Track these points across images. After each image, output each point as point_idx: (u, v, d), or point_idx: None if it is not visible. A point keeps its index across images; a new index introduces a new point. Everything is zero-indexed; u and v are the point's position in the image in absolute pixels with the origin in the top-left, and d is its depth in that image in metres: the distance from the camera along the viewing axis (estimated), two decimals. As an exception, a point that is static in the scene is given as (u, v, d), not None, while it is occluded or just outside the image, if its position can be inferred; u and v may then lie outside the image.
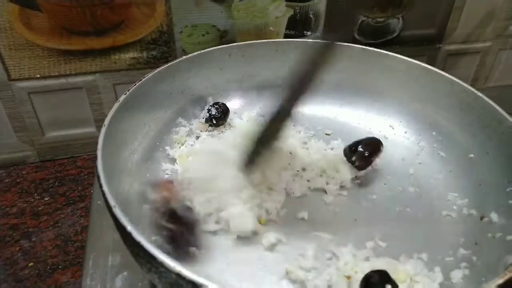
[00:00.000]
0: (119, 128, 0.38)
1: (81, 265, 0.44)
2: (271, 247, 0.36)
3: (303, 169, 0.44)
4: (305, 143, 0.48)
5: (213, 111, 0.48)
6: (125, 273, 0.38)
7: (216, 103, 0.49)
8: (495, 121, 0.40)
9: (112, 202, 0.28)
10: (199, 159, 0.43)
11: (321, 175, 0.43)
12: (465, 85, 0.44)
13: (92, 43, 0.53)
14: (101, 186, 0.30)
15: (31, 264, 0.46)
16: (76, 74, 0.55)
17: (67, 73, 0.54)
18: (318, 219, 0.40)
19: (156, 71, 0.44)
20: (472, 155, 0.43)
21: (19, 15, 0.49)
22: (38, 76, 0.54)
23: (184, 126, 0.48)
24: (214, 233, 0.37)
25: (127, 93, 0.40)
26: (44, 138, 0.58)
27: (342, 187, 0.43)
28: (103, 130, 0.35)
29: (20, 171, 0.58)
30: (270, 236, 0.37)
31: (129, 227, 0.27)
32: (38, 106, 0.55)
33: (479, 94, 0.42)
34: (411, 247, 0.37)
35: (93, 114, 0.58)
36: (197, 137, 0.48)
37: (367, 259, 0.35)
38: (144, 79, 0.43)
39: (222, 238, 0.37)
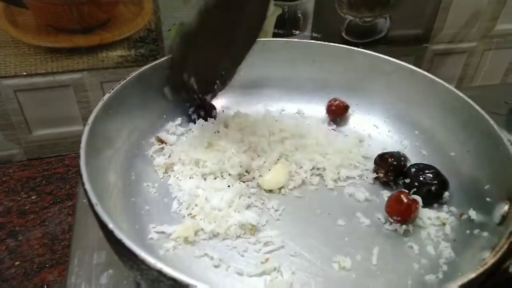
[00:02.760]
0: (103, 126, 0.38)
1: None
2: (255, 241, 0.37)
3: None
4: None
5: (201, 113, 0.48)
6: (110, 271, 0.38)
7: (202, 106, 0.49)
8: (474, 120, 0.41)
9: (94, 199, 0.29)
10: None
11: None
12: (447, 85, 0.45)
13: (79, 41, 0.53)
14: (83, 184, 0.30)
15: (17, 263, 0.46)
16: (63, 72, 0.55)
17: (54, 70, 0.54)
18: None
19: (141, 70, 0.45)
20: (453, 154, 0.43)
21: (4, 12, 0.49)
22: (25, 73, 0.53)
23: (170, 125, 0.48)
24: (197, 230, 0.38)
25: (111, 91, 0.40)
26: (31, 136, 0.58)
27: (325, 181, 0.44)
28: (86, 128, 0.35)
29: (7, 170, 0.58)
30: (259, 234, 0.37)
31: (111, 225, 0.27)
32: (25, 104, 0.55)
33: (460, 94, 0.43)
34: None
35: (80, 112, 0.58)
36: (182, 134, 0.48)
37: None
38: (128, 77, 0.43)
39: (204, 235, 0.37)
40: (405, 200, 0.37)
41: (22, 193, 0.54)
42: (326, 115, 0.52)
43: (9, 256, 0.46)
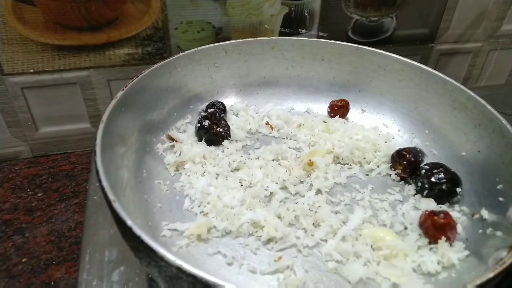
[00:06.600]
0: (116, 124, 0.38)
1: (76, 261, 0.44)
2: (268, 241, 0.37)
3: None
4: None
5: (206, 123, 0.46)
6: (121, 268, 0.38)
7: (211, 114, 0.47)
8: (486, 120, 0.41)
9: (111, 196, 0.29)
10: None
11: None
12: (458, 84, 0.45)
13: (86, 38, 0.53)
14: (100, 181, 0.30)
15: (24, 260, 0.46)
16: (70, 70, 0.55)
17: (61, 68, 0.54)
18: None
19: (153, 68, 0.44)
20: (463, 153, 0.44)
21: (12, 9, 0.49)
22: (32, 71, 0.53)
23: (180, 123, 0.48)
24: (210, 228, 0.37)
25: (125, 89, 0.40)
26: (37, 133, 0.58)
27: (336, 183, 0.43)
28: (101, 126, 0.35)
29: (13, 167, 0.57)
30: (267, 230, 0.37)
31: (129, 222, 0.27)
32: (32, 101, 0.55)
33: (472, 93, 0.43)
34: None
35: (87, 109, 0.58)
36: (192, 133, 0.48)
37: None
38: (141, 75, 0.43)
39: (216, 232, 0.37)
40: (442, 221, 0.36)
41: (29, 190, 0.54)
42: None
43: (16, 253, 0.46)
